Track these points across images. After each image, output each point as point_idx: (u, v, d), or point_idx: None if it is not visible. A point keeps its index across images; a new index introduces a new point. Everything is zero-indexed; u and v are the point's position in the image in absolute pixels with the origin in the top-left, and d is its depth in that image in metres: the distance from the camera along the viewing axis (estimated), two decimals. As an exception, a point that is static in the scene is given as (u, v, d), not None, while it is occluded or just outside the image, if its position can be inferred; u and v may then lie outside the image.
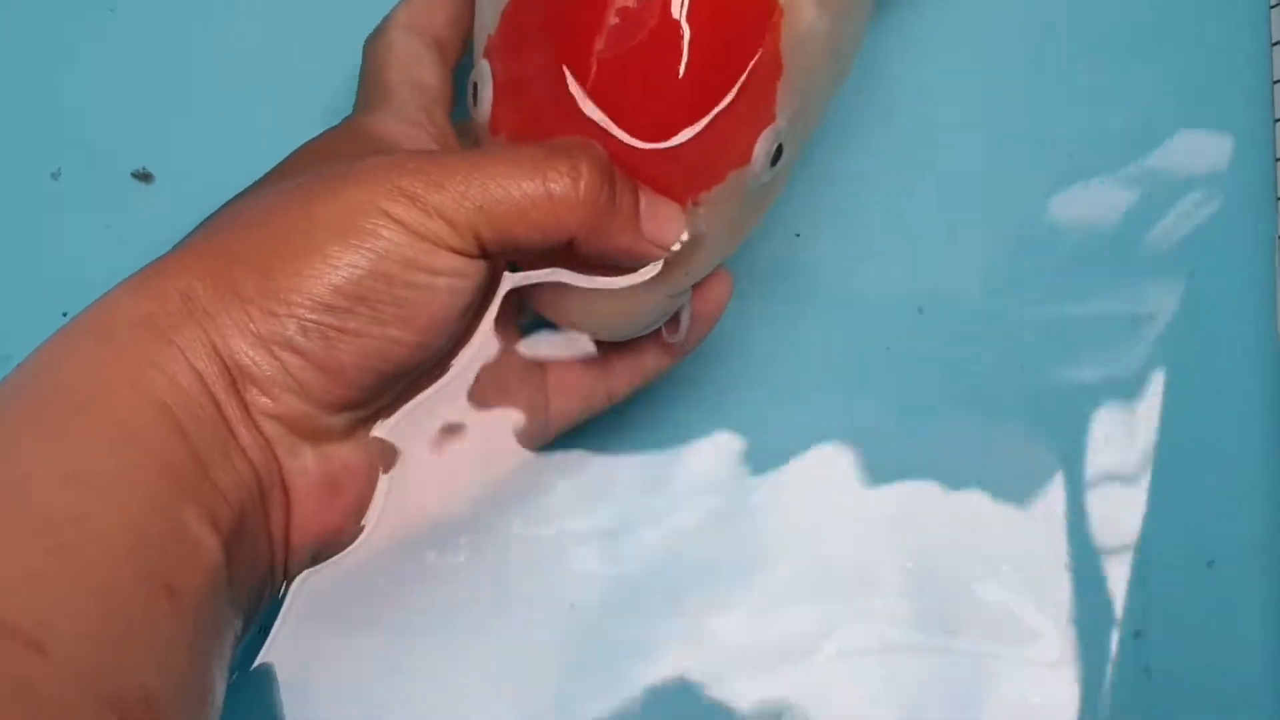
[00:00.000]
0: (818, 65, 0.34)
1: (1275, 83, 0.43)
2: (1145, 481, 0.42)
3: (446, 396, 0.35)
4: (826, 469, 0.42)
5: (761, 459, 0.42)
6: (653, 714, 0.40)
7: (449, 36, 0.37)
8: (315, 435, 0.32)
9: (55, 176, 0.43)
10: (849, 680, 0.41)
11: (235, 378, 0.30)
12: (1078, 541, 0.41)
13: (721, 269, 0.36)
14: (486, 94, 0.33)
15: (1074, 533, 0.42)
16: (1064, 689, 0.41)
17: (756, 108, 0.33)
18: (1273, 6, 0.44)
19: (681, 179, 0.32)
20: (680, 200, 0.33)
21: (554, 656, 0.40)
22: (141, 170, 0.43)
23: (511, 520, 0.40)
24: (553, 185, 0.31)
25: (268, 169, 0.35)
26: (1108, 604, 0.41)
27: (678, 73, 0.32)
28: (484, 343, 0.35)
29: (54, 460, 0.28)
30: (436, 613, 0.39)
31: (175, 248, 0.32)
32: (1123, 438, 0.42)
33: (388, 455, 0.34)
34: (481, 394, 0.35)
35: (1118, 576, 0.41)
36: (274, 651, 0.35)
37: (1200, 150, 0.44)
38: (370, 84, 0.37)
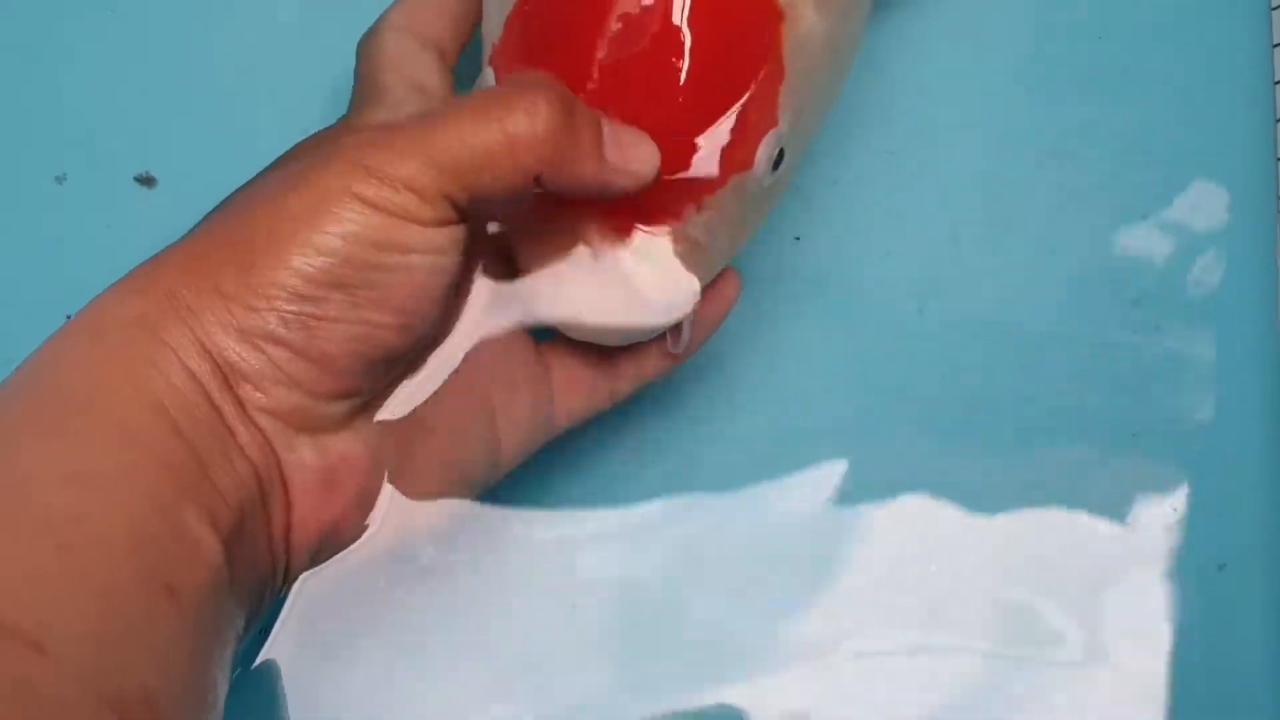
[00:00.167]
0: (818, 68, 0.34)
1: (1276, 83, 0.43)
2: (1157, 484, 0.42)
3: (450, 390, 0.35)
4: (833, 471, 0.42)
5: (768, 460, 0.42)
6: (658, 716, 0.40)
7: (445, 37, 0.37)
8: (311, 427, 0.32)
9: (60, 180, 0.43)
10: (865, 683, 0.41)
11: (227, 375, 0.31)
12: (1093, 544, 0.41)
13: (729, 271, 0.37)
14: None
15: (1086, 535, 0.42)
16: (1088, 691, 0.41)
17: (759, 112, 0.33)
18: (1274, 8, 0.44)
19: (685, 184, 0.32)
20: (683, 206, 0.33)
21: (555, 657, 0.40)
22: (144, 174, 0.43)
23: (512, 521, 0.40)
24: (510, 127, 0.30)
25: (268, 171, 0.35)
26: (1126, 607, 0.41)
27: (680, 79, 0.32)
28: (489, 336, 0.35)
29: (54, 460, 0.28)
30: (437, 613, 0.39)
31: (165, 248, 0.32)
32: (1132, 441, 0.42)
33: (388, 448, 0.34)
34: (486, 388, 0.35)
35: (1134, 579, 0.41)
36: (275, 651, 0.35)
37: (1201, 149, 0.44)
38: (365, 85, 0.37)
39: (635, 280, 0.33)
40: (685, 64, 0.32)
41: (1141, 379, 0.42)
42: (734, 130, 0.32)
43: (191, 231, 0.32)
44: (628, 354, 0.37)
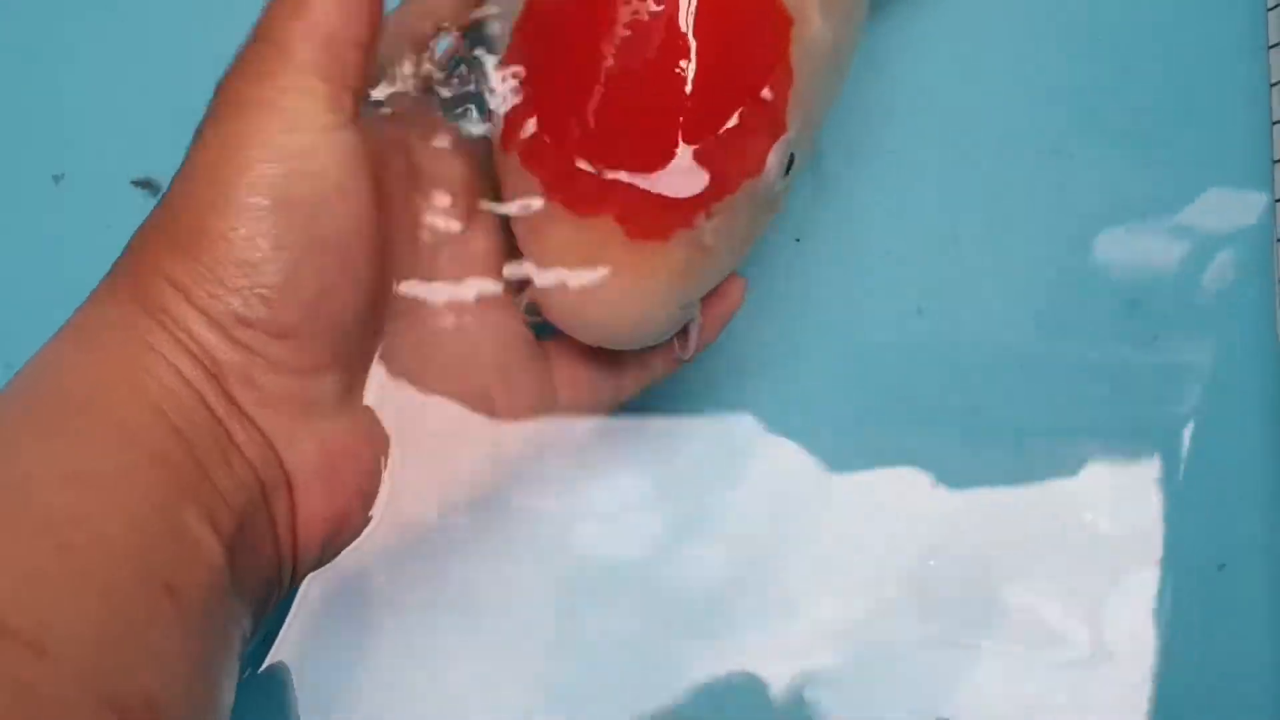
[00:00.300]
0: (823, 73, 0.34)
1: (1274, 85, 0.43)
2: (1156, 485, 0.42)
3: (444, 379, 0.35)
4: (832, 470, 0.42)
5: (768, 458, 0.42)
6: (664, 701, 0.40)
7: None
8: (305, 413, 0.32)
9: (57, 179, 0.43)
10: (864, 676, 0.41)
11: (215, 374, 0.31)
12: (1093, 543, 0.42)
13: (735, 275, 0.37)
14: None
15: (1086, 535, 0.42)
16: (1088, 690, 0.41)
17: (769, 119, 0.33)
18: (1270, 9, 0.44)
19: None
20: (695, 211, 0.33)
21: (563, 652, 0.40)
22: (143, 178, 0.43)
23: (514, 509, 0.40)
24: None
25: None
26: (1126, 607, 0.41)
27: (689, 86, 0.32)
28: (480, 321, 0.36)
29: (54, 459, 0.28)
30: (445, 610, 0.39)
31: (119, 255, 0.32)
32: (1131, 441, 0.42)
33: (384, 438, 0.34)
34: (486, 383, 0.36)
35: (1133, 579, 0.41)
36: (284, 652, 0.35)
37: (1199, 150, 0.44)
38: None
39: (643, 287, 0.33)
40: (694, 71, 0.32)
41: (1140, 379, 0.43)
42: (744, 137, 0.33)
43: (138, 231, 0.32)
44: (633, 356, 0.37)
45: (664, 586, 0.41)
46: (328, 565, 0.34)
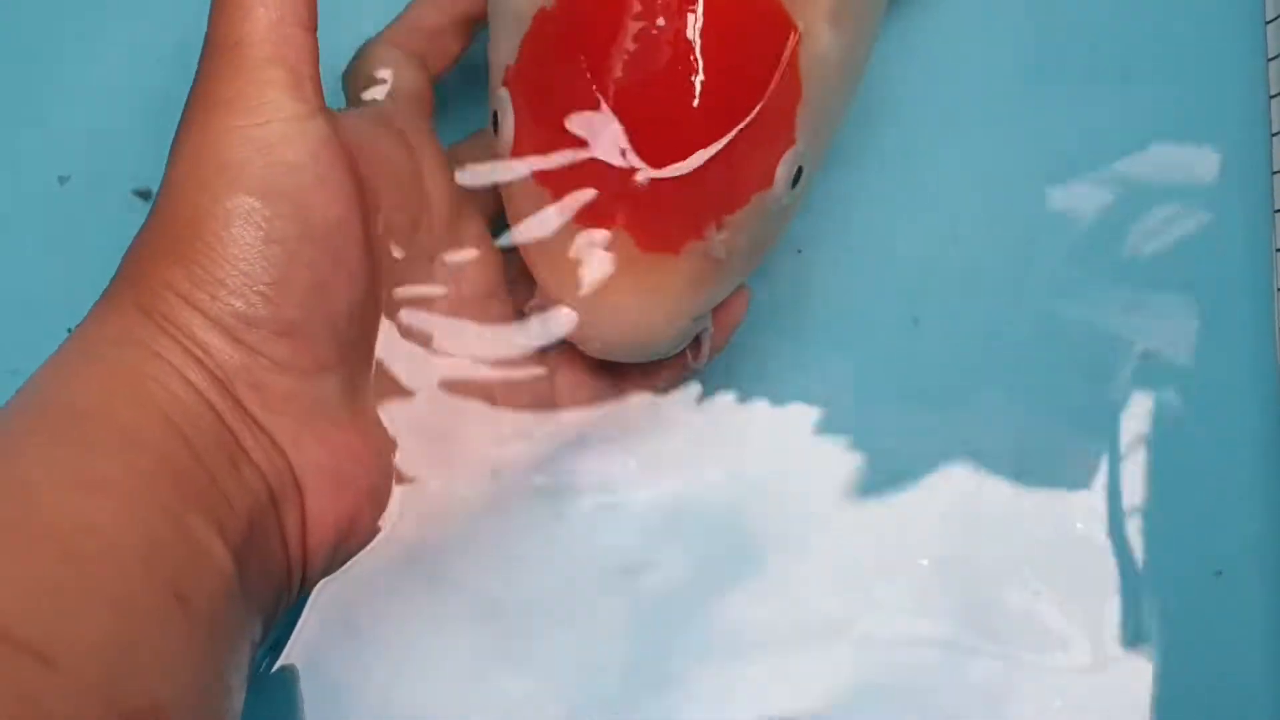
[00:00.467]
0: (833, 85, 0.35)
1: (1273, 97, 0.44)
2: (1151, 489, 0.42)
3: (446, 383, 0.35)
4: (831, 476, 0.42)
5: (770, 462, 0.42)
6: (667, 694, 0.40)
7: (429, 53, 0.38)
8: (311, 415, 0.32)
9: (63, 181, 0.43)
10: (861, 675, 0.41)
11: (222, 379, 0.31)
12: (1090, 549, 0.42)
13: (740, 286, 0.37)
14: (508, 122, 0.34)
15: (1083, 540, 0.42)
16: (1084, 696, 0.41)
17: (777, 131, 0.33)
18: (1269, 22, 0.44)
19: (706, 203, 0.33)
20: (705, 224, 0.33)
21: (575, 660, 0.40)
22: (142, 189, 0.43)
23: (526, 513, 0.40)
24: None
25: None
26: (1123, 613, 0.41)
27: (698, 99, 0.32)
28: (483, 330, 0.36)
29: (61, 468, 0.28)
30: (455, 617, 0.39)
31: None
32: (1127, 445, 0.42)
33: (391, 441, 0.34)
34: (485, 385, 0.36)
35: (1130, 585, 0.42)
36: (293, 657, 0.35)
37: (1198, 163, 0.44)
38: (350, 93, 0.38)
39: (655, 300, 0.33)
40: (702, 84, 0.32)
41: (1138, 386, 0.43)
42: (753, 149, 0.33)
43: (132, 243, 0.33)
44: (636, 366, 0.37)
45: (661, 589, 0.41)
46: (337, 573, 0.34)
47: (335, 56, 0.38)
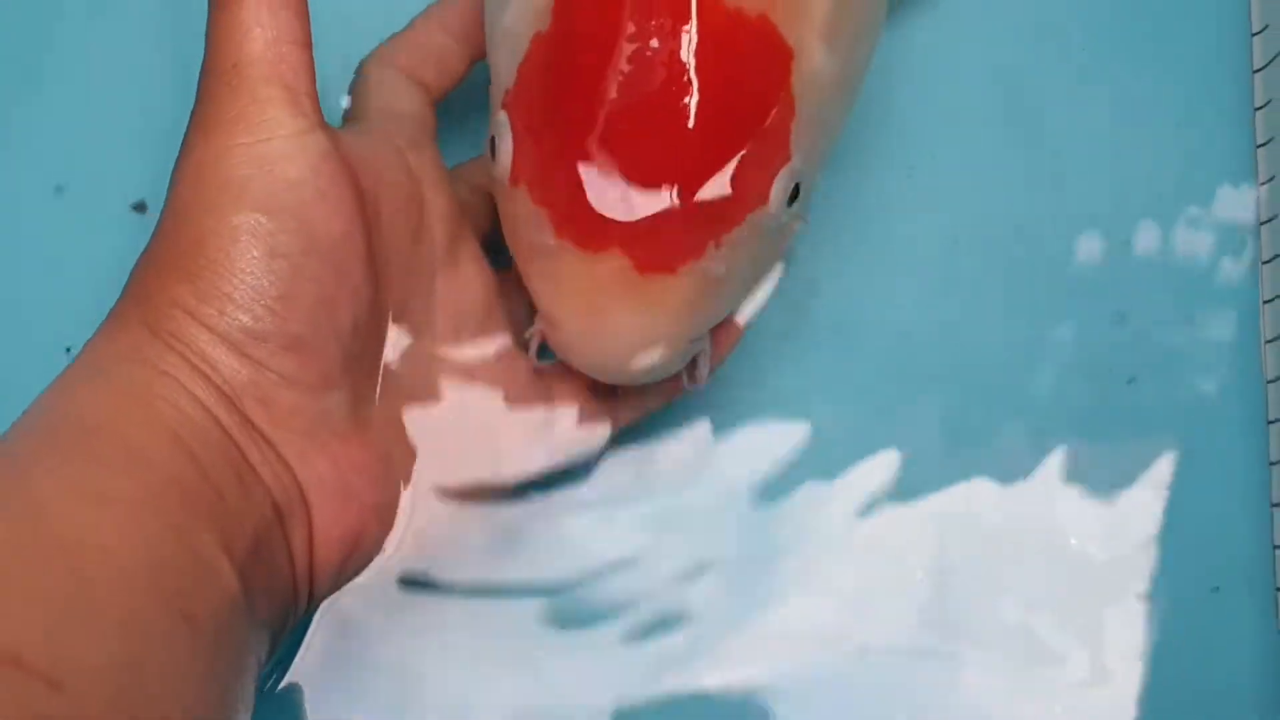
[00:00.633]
0: (828, 102, 0.35)
1: (1258, 109, 0.44)
2: (1148, 506, 0.42)
3: (445, 398, 0.36)
4: (831, 485, 0.42)
5: (764, 470, 0.42)
6: (668, 707, 0.41)
7: (427, 73, 0.38)
8: (318, 430, 0.33)
9: (59, 191, 0.43)
10: (857, 682, 0.41)
11: (229, 395, 0.31)
12: (1088, 564, 0.42)
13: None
14: (505, 146, 0.34)
15: (1080, 555, 0.42)
16: (1082, 711, 0.41)
17: (772, 149, 0.33)
18: (1255, 34, 0.44)
19: (703, 222, 0.33)
20: (704, 243, 0.33)
21: (576, 675, 0.40)
22: (138, 201, 0.43)
23: (525, 530, 0.40)
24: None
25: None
26: (1121, 628, 0.42)
27: (693, 121, 0.32)
28: (483, 348, 0.36)
29: (69, 489, 0.28)
30: (459, 634, 0.40)
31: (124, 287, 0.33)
32: (1124, 462, 0.43)
33: (398, 457, 0.35)
34: (483, 404, 0.36)
35: (1128, 601, 0.42)
36: (298, 676, 0.35)
37: (1185, 170, 0.44)
38: (350, 111, 0.38)
39: (653, 320, 0.33)
40: (696, 105, 0.32)
41: (1136, 402, 0.43)
42: (749, 168, 0.33)
43: (137, 262, 0.33)
44: (634, 387, 0.37)
45: (657, 601, 0.41)
46: (343, 590, 0.34)
47: (331, 73, 0.38)
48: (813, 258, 0.43)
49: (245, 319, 0.31)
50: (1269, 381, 0.43)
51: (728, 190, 0.33)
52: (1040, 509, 0.42)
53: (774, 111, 0.33)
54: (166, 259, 0.32)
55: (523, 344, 0.37)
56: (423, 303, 0.36)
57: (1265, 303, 0.43)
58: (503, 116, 0.34)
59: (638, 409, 0.38)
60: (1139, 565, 0.42)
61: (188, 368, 0.31)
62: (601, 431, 0.38)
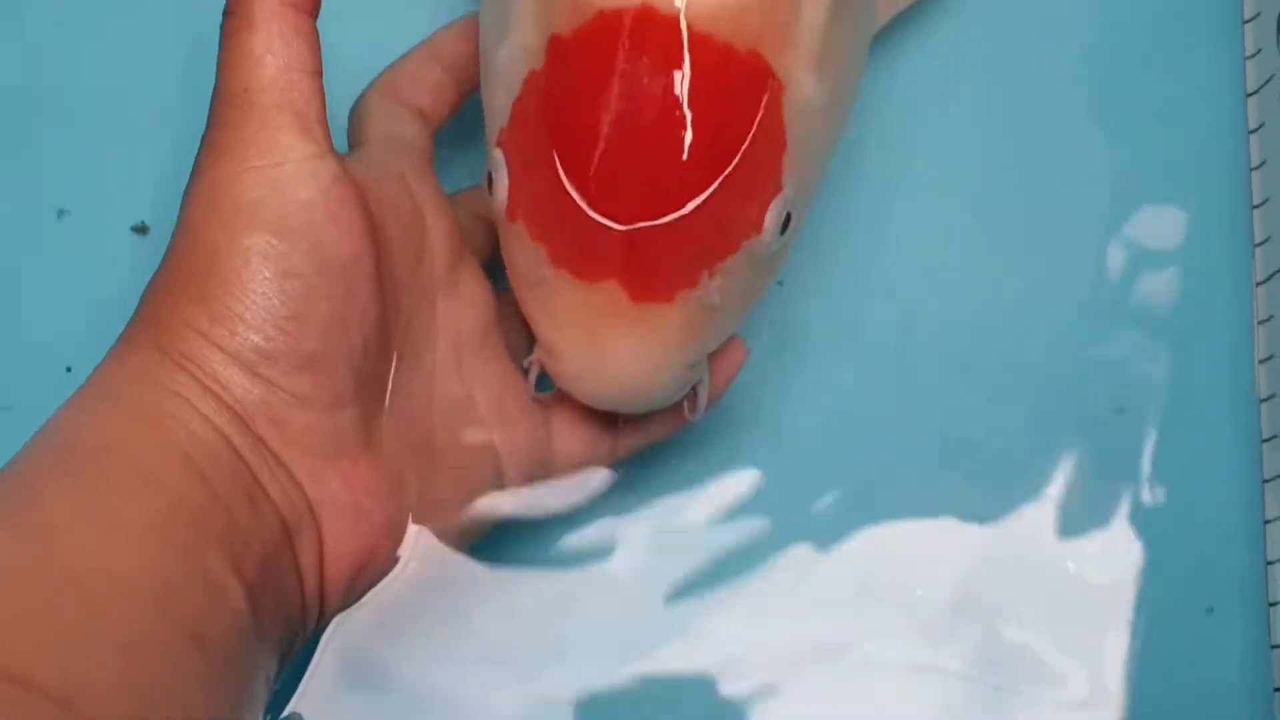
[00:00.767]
0: (818, 132, 0.35)
1: (1251, 132, 0.45)
2: (1143, 527, 0.42)
3: (444, 418, 0.36)
4: (828, 505, 0.43)
5: (760, 494, 0.42)
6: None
7: (424, 102, 0.39)
8: (330, 449, 0.33)
9: (61, 215, 0.43)
10: (860, 700, 0.41)
11: (241, 415, 0.32)
12: (1082, 585, 0.42)
13: (734, 337, 0.37)
14: (502, 182, 0.34)
15: (1075, 576, 0.42)
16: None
17: (764, 179, 0.34)
18: (1248, 58, 0.45)
19: (697, 252, 0.33)
20: (698, 272, 0.33)
21: (588, 687, 0.40)
22: (139, 224, 0.43)
23: (528, 568, 0.41)
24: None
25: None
26: (1115, 649, 0.42)
27: (685, 153, 0.33)
28: (479, 368, 0.37)
29: (79, 511, 0.29)
30: (468, 654, 0.40)
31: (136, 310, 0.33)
32: (1116, 482, 0.43)
33: (408, 475, 0.35)
34: (483, 428, 0.37)
35: (1122, 621, 0.42)
36: (305, 702, 0.36)
37: (1177, 193, 0.44)
38: (350, 139, 0.39)
39: (649, 349, 0.34)
40: (689, 138, 0.33)
41: (1126, 428, 0.43)
42: (742, 198, 0.33)
43: (148, 285, 0.34)
44: (633, 416, 0.38)
45: (658, 617, 0.41)
46: (356, 605, 0.35)
47: (333, 102, 0.38)
48: (802, 295, 0.44)
49: (257, 339, 0.31)
50: (1263, 400, 0.43)
51: (722, 220, 0.33)
52: (1036, 533, 0.42)
53: (766, 143, 0.34)
54: (178, 280, 0.32)
55: (521, 371, 0.37)
56: (425, 324, 0.36)
57: (1260, 323, 0.43)
58: (498, 154, 0.35)
59: (638, 439, 0.38)
60: (1135, 587, 0.42)
61: (199, 388, 0.31)
62: (600, 462, 0.38)
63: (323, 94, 0.34)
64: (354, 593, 0.35)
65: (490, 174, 0.35)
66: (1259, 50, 0.44)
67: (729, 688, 0.41)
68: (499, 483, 0.37)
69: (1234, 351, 0.44)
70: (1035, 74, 0.45)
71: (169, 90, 0.44)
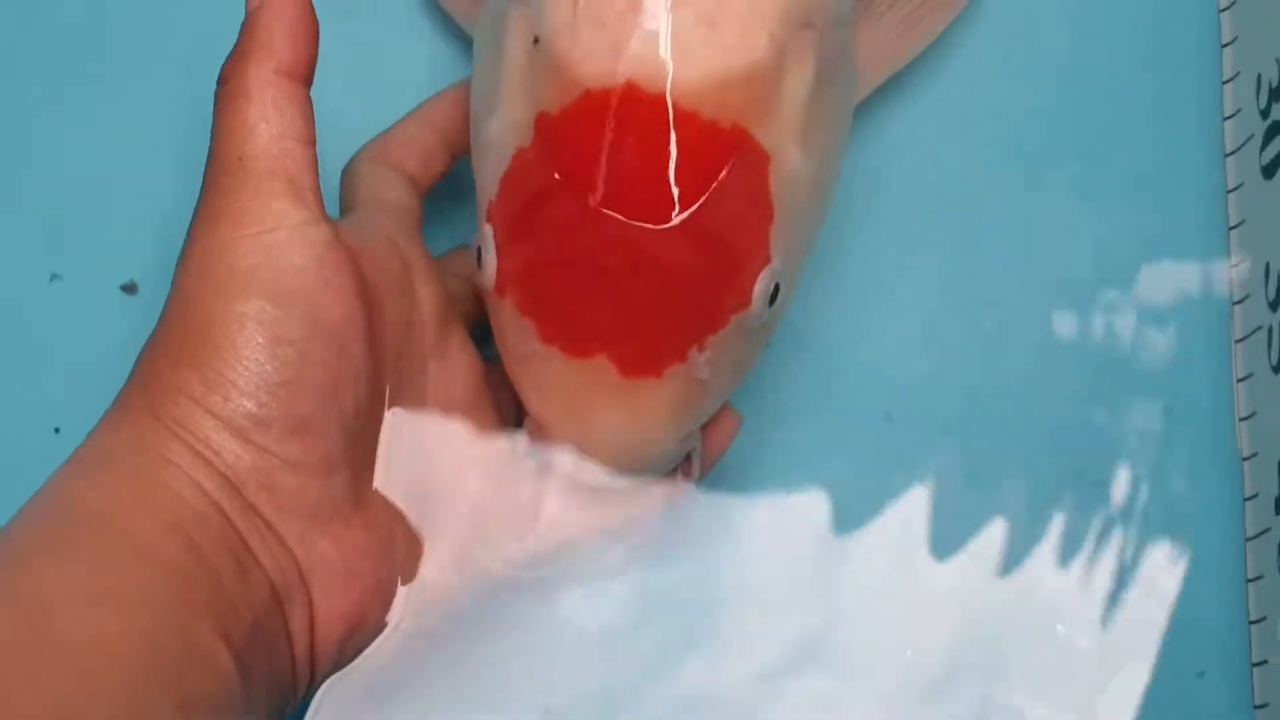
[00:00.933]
0: (805, 203, 0.36)
1: (1228, 155, 0.45)
2: (1135, 590, 0.43)
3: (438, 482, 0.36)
4: (814, 565, 0.43)
5: (755, 554, 0.43)
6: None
7: (413, 166, 0.39)
8: (321, 513, 0.33)
9: (54, 279, 0.43)
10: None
11: (233, 481, 0.32)
12: (1074, 649, 0.42)
13: (727, 406, 0.38)
14: (490, 257, 0.35)
15: (1066, 640, 0.42)
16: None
17: (753, 251, 0.34)
18: (1225, 81, 0.45)
19: (686, 326, 0.34)
20: (687, 346, 0.34)
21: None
22: (129, 282, 0.44)
23: (519, 623, 0.41)
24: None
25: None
26: (1108, 713, 0.42)
27: (673, 225, 0.33)
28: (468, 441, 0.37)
29: (72, 581, 0.29)
30: (452, 708, 0.40)
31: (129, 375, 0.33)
32: (1108, 544, 0.43)
33: (397, 536, 0.35)
34: (475, 490, 0.37)
35: (1115, 685, 0.42)
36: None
37: (1157, 221, 0.45)
38: (341, 204, 0.39)
39: (640, 423, 0.34)
40: (677, 210, 0.33)
41: (1111, 491, 0.43)
42: (730, 271, 0.34)
43: (142, 352, 0.34)
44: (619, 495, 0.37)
45: (648, 671, 0.42)
46: (346, 667, 0.35)
47: (333, 166, 0.39)
48: (788, 351, 0.44)
49: (249, 405, 0.32)
50: (1245, 459, 0.43)
51: (710, 294, 0.34)
52: (1028, 598, 0.42)
53: (754, 215, 0.34)
54: (172, 346, 0.32)
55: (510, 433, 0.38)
56: (415, 388, 0.37)
57: (1239, 380, 0.44)
58: (488, 230, 0.35)
59: (628, 509, 0.38)
60: (1124, 650, 0.42)
61: (191, 455, 0.32)
62: (589, 529, 0.38)
63: (315, 161, 0.34)
64: (345, 655, 0.35)
65: (479, 248, 0.35)
66: (1238, 110, 0.45)
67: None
68: (488, 545, 0.37)
69: (1215, 410, 0.44)
70: (1015, 137, 0.46)
71: (165, 154, 0.44)
